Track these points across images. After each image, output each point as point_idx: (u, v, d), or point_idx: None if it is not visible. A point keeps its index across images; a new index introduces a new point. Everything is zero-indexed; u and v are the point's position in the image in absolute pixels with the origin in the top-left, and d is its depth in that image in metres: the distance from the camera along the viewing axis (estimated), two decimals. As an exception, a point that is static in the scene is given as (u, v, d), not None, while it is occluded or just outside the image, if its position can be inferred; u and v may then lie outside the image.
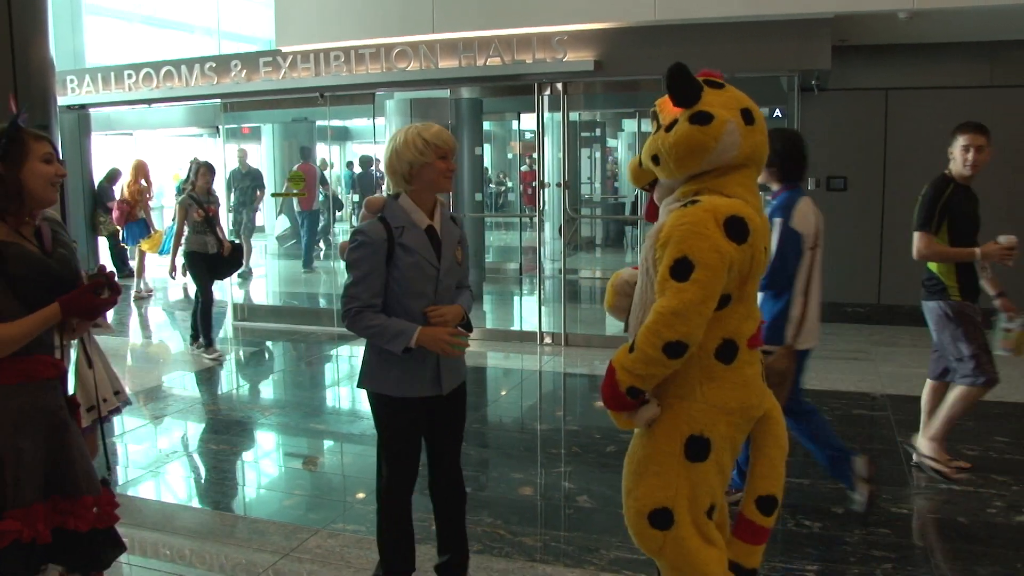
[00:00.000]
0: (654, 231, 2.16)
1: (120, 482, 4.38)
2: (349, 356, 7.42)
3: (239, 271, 9.97)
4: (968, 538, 3.59)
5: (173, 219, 7.97)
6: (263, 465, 5.01)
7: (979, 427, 5.03)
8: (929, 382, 4.40)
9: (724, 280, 2.03)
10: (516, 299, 10.57)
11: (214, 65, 8.48)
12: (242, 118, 10.97)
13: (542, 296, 7.97)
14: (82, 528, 2.32)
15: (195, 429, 5.45)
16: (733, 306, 2.12)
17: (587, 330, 7.86)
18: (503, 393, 6.47)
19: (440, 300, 2.79)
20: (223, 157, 9.74)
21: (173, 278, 7.27)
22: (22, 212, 2.24)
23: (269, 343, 8.04)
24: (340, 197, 13.61)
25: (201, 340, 7.11)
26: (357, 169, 13.59)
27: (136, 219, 10.23)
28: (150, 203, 10.62)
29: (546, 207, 8.64)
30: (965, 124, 4.06)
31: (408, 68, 7.68)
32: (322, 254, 12.23)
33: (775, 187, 3.66)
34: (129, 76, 8.94)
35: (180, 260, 7.05)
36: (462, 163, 8.31)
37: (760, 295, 3.60)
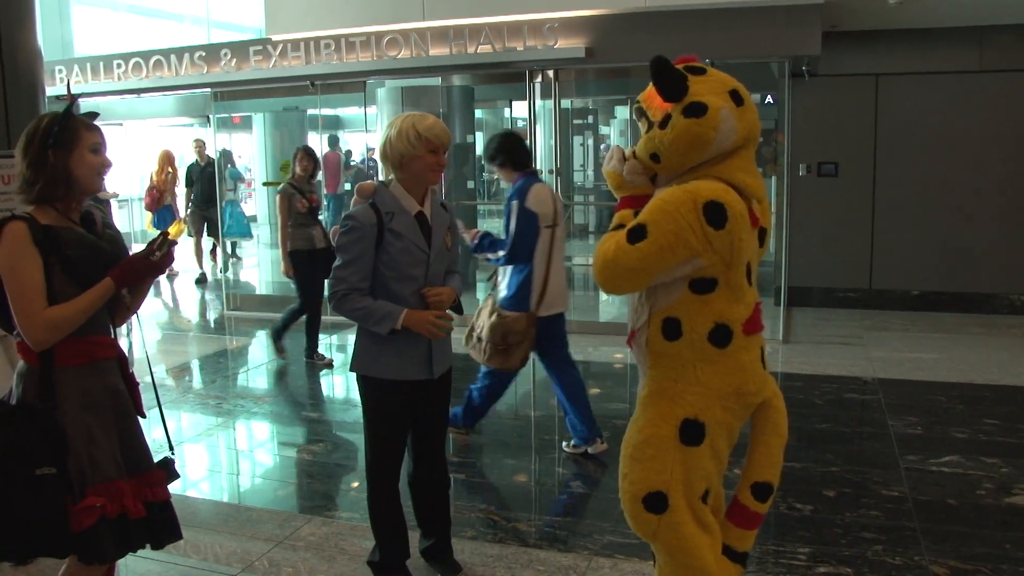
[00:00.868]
0: None
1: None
2: (339, 343, 7.42)
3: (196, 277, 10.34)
4: (958, 520, 3.62)
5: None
6: (256, 454, 5.02)
7: (969, 410, 5.08)
8: None
9: (671, 264, 2.06)
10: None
11: (204, 54, 8.42)
12: (233, 107, 10.94)
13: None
14: (164, 497, 2.42)
15: (188, 418, 5.45)
16: (720, 290, 2.13)
17: (581, 317, 7.86)
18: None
19: (430, 284, 2.82)
20: (214, 146, 9.71)
21: (290, 277, 6.35)
22: (69, 199, 2.29)
23: (261, 332, 8.02)
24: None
25: (314, 351, 6.58)
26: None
27: (164, 205, 10.82)
28: (176, 191, 11.11)
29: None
30: None
31: (399, 56, 7.64)
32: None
33: (514, 176, 4.19)
34: (118, 66, 8.86)
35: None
36: (453, 152, 8.29)
37: (508, 268, 4.19)
